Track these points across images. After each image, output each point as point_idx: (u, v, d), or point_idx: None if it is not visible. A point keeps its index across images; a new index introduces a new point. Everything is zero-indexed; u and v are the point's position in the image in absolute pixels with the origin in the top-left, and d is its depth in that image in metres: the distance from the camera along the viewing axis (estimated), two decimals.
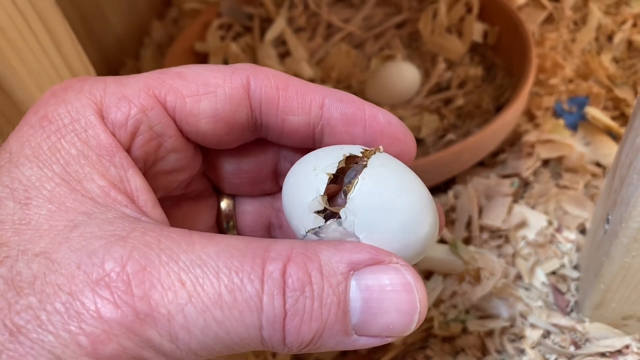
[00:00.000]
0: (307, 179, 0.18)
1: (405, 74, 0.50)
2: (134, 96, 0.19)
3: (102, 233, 0.15)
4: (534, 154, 0.44)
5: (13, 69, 0.34)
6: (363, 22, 0.58)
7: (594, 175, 0.44)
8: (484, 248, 0.40)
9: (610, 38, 0.54)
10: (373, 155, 0.18)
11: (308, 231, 0.18)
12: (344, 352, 0.38)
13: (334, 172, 0.17)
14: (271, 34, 0.57)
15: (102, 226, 0.15)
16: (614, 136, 0.46)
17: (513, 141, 0.47)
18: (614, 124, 0.45)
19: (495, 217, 0.40)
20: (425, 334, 0.38)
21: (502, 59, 0.51)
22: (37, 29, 0.36)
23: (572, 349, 0.36)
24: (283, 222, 0.25)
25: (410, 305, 0.17)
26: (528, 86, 0.43)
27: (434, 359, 0.37)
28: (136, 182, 0.18)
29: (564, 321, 0.36)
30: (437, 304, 0.37)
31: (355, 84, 0.53)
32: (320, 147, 0.21)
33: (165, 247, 0.15)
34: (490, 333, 0.37)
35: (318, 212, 0.17)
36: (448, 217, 0.42)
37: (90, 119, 0.18)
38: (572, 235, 0.40)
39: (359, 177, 0.17)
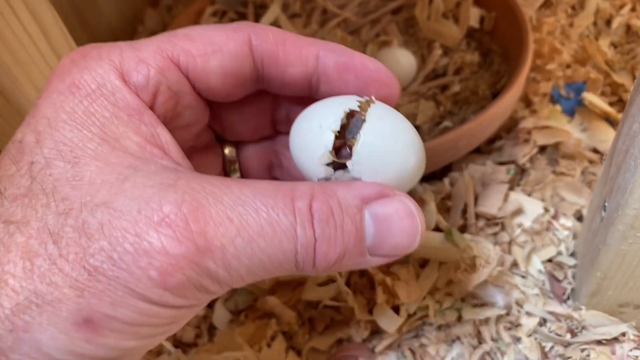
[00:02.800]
0: (314, 136, 0.21)
1: (401, 61, 0.49)
2: (150, 59, 0.20)
3: (151, 182, 0.17)
4: (530, 140, 0.44)
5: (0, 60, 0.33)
6: (359, 8, 0.58)
7: (591, 162, 0.44)
8: (479, 236, 0.39)
9: (608, 22, 0.54)
10: (369, 108, 0.21)
11: (320, 179, 0.21)
12: (339, 341, 0.38)
13: (339, 129, 0.20)
14: (266, 20, 0.56)
15: (149, 177, 0.18)
16: (612, 122, 0.46)
17: (510, 128, 0.46)
18: (611, 110, 0.45)
19: (491, 205, 0.39)
20: (420, 322, 0.37)
21: (499, 44, 0.50)
22: (25, 18, 0.35)
23: (568, 336, 0.36)
24: (283, 162, 0.28)
25: (414, 228, 0.20)
26: (525, 72, 0.42)
27: (429, 347, 0.37)
28: (165, 136, 0.20)
29: (560, 309, 0.36)
30: (432, 292, 0.37)
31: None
32: (316, 94, 0.23)
33: (209, 191, 0.17)
34: (486, 321, 0.37)
35: (327, 164, 0.20)
36: (443, 205, 0.41)
37: (115, 83, 0.20)
38: (569, 222, 0.40)
39: (361, 132, 0.20)
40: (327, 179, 0.21)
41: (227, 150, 0.28)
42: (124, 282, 0.16)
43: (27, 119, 0.19)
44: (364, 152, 0.20)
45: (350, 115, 0.20)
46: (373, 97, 0.22)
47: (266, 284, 0.39)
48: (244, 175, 0.29)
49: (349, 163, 0.20)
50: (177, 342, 0.39)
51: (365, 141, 0.20)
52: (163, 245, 0.16)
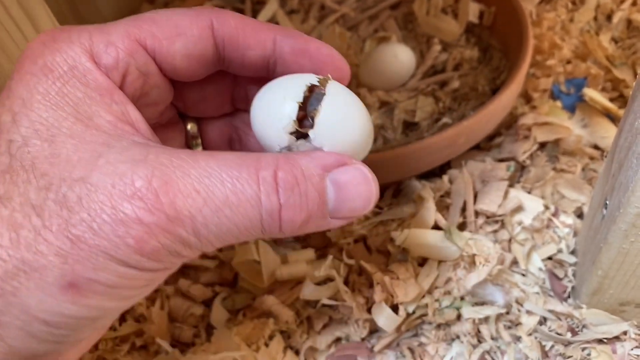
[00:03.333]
0: (278, 107, 0.22)
1: (400, 56, 0.49)
2: (119, 42, 0.22)
3: (123, 158, 0.19)
4: (530, 137, 0.43)
5: None
6: (357, 3, 0.57)
7: (592, 158, 0.43)
8: (479, 233, 0.39)
9: (609, 17, 0.53)
10: (327, 85, 0.22)
11: (282, 148, 0.22)
12: (337, 340, 0.38)
13: (302, 101, 0.22)
14: (263, 15, 0.55)
15: (122, 153, 0.19)
16: (613, 118, 0.45)
17: (509, 124, 0.46)
18: (612, 106, 0.44)
19: (490, 202, 0.39)
20: (419, 321, 0.37)
21: (499, 40, 0.49)
22: (16, 14, 0.35)
23: (569, 335, 0.35)
24: (242, 137, 0.30)
25: (369, 193, 0.22)
26: (525, 68, 0.42)
27: (428, 346, 0.36)
28: (135, 114, 0.22)
29: (560, 307, 0.36)
30: (431, 290, 0.37)
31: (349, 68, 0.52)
32: (273, 75, 0.25)
33: (177, 165, 0.19)
34: (485, 320, 0.36)
35: (291, 133, 0.22)
36: (442, 203, 0.41)
37: (86, 65, 0.21)
38: (570, 219, 0.40)
39: (322, 104, 0.22)
40: (289, 149, 0.22)
41: (189, 126, 0.29)
42: (104, 249, 0.18)
43: (0, 101, 0.20)
44: (324, 123, 0.22)
45: (311, 89, 0.22)
46: (329, 76, 0.23)
47: (264, 283, 0.39)
48: (206, 150, 0.30)
49: (311, 132, 0.22)
50: (175, 341, 0.39)
51: (325, 113, 0.22)
52: (137, 216, 0.18)
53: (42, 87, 0.20)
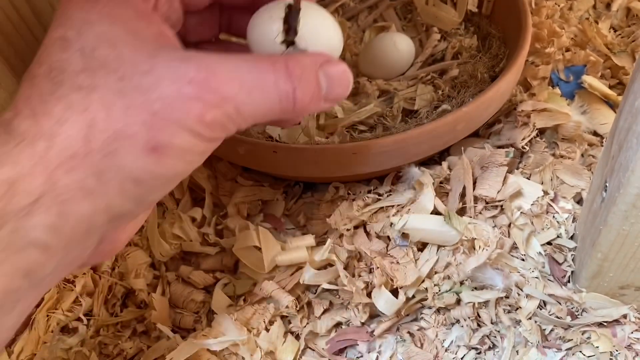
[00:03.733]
0: (268, 26, 0.28)
1: (399, 45, 0.49)
2: None
3: (174, 57, 0.23)
4: (529, 123, 0.43)
5: None
6: None
7: (591, 145, 0.43)
8: (478, 219, 0.39)
9: (608, 6, 0.53)
10: (301, 3, 0.28)
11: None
12: (338, 324, 0.38)
13: (284, 17, 0.28)
14: None
15: (170, 54, 0.23)
16: (612, 105, 0.45)
17: (509, 112, 0.46)
18: (611, 93, 0.44)
19: (489, 188, 0.39)
20: (419, 306, 0.37)
21: (498, 28, 0.49)
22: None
23: (568, 319, 0.36)
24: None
25: (348, 82, 0.28)
26: (523, 54, 0.42)
27: (428, 331, 0.37)
28: (170, 32, 0.26)
29: (560, 291, 0.36)
30: (430, 275, 0.37)
31: (349, 57, 0.52)
32: (256, 4, 0.30)
33: (215, 61, 0.24)
34: (485, 304, 0.36)
35: (282, 42, 0.28)
36: (442, 189, 0.41)
37: None
38: (569, 205, 0.40)
39: (300, 17, 0.27)
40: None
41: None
42: (176, 120, 0.22)
43: (58, 22, 0.24)
44: (305, 31, 0.28)
45: (289, 8, 0.28)
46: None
47: (265, 269, 0.39)
48: None
49: (296, 39, 0.28)
50: (176, 327, 0.39)
51: (304, 23, 0.28)
52: (197, 95, 0.23)
53: (96, 10, 0.24)
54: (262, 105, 0.25)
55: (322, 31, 0.29)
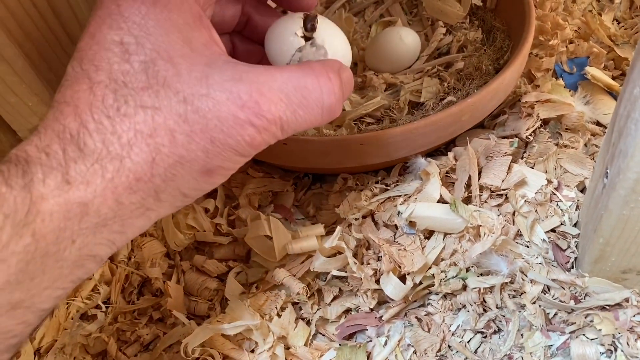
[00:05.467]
0: (289, 26, 0.31)
1: (405, 39, 0.50)
2: None
3: (226, 78, 0.24)
4: (533, 114, 0.44)
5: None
6: None
7: (594, 135, 0.44)
8: (483, 207, 0.40)
9: None
10: (315, 14, 0.31)
11: (296, 51, 0.31)
12: (347, 310, 0.39)
13: (303, 17, 0.31)
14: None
15: (222, 73, 0.24)
16: (615, 96, 0.46)
17: (513, 103, 0.47)
18: (614, 83, 0.45)
19: (494, 177, 0.40)
20: (426, 292, 0.38)
21: (502, 21, 0.50)
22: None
23: (572, 303, 0.36)
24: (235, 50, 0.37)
25: (352, 85, 0.30)
26: (527, 46, 0.43)
27: (435, 316, 0.38)
28: (216, 36, 0.27)
29: (563, 276, 0.37)
30: (437, 262, 0.38)
31: (355, 51, 0.53)
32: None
33: (264, 81, 0.25)
34: (490, 289, 0.37)
35: (301, 37, 0.30)
36: (448, 179, 0.42)
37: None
38: (572, 193, 0.41)
39: (317, 18, 0.30)
40: (300, 50, 0.31)
41: None
42: (231, 146, 0.24)
43: (111, 20, 0.24)
44: (321, 31, 0.31)
45: (305, 17, 0.31)
46: (313, 12, 0.32)
47: (276, 258, 0.40)
48: None
49: (315, 35, 0.30)
50: (191, 314, 0.40)
51: (321, 25, 0.31)
52: (249, 120, 0.24)
53: (153, 14, 0.24)
54: (304, 122, 0.27)
55: (336, 37, 0.32)
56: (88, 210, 0.22)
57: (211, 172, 0.25)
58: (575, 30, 0.51)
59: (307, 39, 0.31)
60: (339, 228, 0.38)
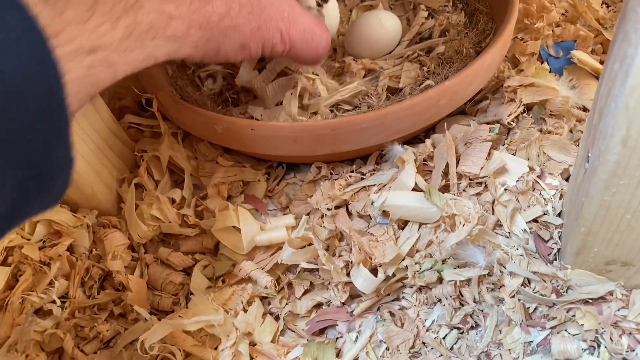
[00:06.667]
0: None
1: (385, 23, 0.48)
2: None
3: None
4: (516, 99, 0.42)
5: None
6: None
7: (580, 120, 0.42)
8: (462, 196, 0.38)
9: None
10: None
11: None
12: (318, 305, 0.37)
13: None
14: None
15: None
16: None
17: (496, 89, 0.45)
18: (601, 67, 0.43)
19: (473, 164, 0.38)
20: (399, 285, 0.36)
21: (485, 4, 0.48)
22: None
23: (553, 296, 0.34)
24: None
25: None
26: (510, 28, 0.41)
27: (409, 310, 0.36)
28: None
29: (544, 269, 0.35)
30: (412, 253, 0.36)
31: (335, 37, 0.51)
32: None
33: (299, 10, 0.36)
34: (467, 282, 0.35)
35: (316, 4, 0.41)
36: (426, 167, 0.40)
37: None
38: (556, 181, 0.39)
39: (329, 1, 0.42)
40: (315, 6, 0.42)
41: None
42: (264, 36, 0.34)
43: None
44: (328, 7, 0.42)
45: None
46: None
47: (244, 250, 0.38)
48: None
49: (325, 5, 0.42)
50: (155, 309, 0.38)
51: (330, 3, 0.42)
52: (284, 27, 0.35)
53: None
54: (309, 49, 0.37)
55: (334, 14, 0.43)
56: (170, 22, 0.27)
57: (247, 48, 0.33)
58: (562, 13, 0.49)
59: (319, 4, 0.42)
60: (304, 217, 0.36)
